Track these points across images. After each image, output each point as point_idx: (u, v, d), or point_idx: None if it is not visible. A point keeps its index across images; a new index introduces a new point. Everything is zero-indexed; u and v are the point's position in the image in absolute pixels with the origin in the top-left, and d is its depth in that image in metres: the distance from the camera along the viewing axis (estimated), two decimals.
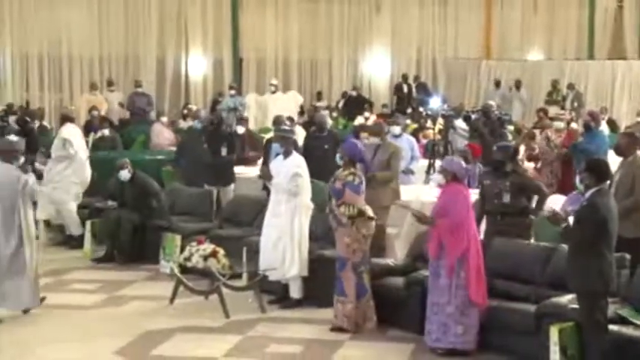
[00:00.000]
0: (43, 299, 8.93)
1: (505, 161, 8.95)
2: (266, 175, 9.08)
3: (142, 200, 11.16)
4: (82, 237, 11.71)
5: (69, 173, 11.84)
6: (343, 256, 8.30)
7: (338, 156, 8.56)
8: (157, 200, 11.28)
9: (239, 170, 12.85)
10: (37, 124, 17.46)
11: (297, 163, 8.96)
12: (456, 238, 7.50)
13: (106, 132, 15.20)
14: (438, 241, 7.62)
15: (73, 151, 11.80)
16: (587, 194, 6.70)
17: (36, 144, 13.42)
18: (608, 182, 6.96)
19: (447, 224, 7.53)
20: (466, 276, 7.50)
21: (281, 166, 8.98)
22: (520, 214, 8.81)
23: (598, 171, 6.73)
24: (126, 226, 11.05)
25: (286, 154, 9.03)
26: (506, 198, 8.84)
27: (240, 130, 14.28)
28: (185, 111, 19.02)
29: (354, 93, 22.86)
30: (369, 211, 8.32)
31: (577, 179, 6.99)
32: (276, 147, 9.62)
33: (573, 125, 14.73)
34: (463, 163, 7.91)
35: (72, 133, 12.00)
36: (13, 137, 8.92)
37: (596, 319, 6.61)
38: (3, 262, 8.49)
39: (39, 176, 11.31)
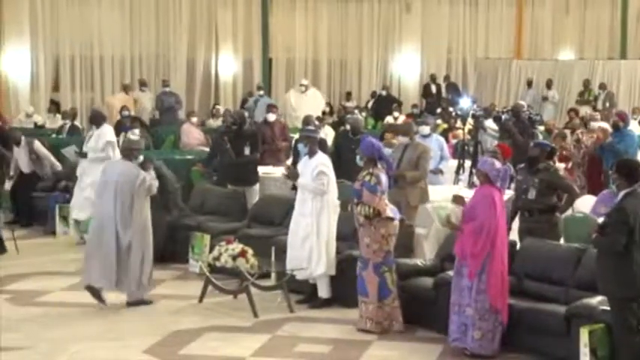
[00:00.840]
0: (148, 302, 9.11)
1: (539, 158, 8.95)
2: (293, 175, 9.08)
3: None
4: None
5: None
6: (364, 256, 8.30)
7: (358, 157, 8.55)
8: (172, 195, 11.32)
9: (267, 170, 12.86)
10: (68, 123, 17.69)
11: (322, 161, 8.97)
12: (479, 242, 7.45)
13: (137, 132, 15.28)
14: (462, 243, 7.60)
15: (114, 155, 11.92)
16: (619, 196, 6.65)
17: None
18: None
19: (470, 228, 7.50)
20: (487, 280, 7.45)
21: (306, 165, 8.99)
22: (546, 212, 8.78)
23: (628, 172, 6.67)
24: (156, 226, 11.05)
25: (311, 154, 9.04)
26: (532, 194, 8.85)
27: (271, 117, 14.20)
28: (214, 110, 19.14)
29: (383, 93, 22.82)
30: (389, 212, 8.29)
31: (611, 180, 6.94)
32: (302, 147, 9.60)
33: (602, 124, 14.59)
34: (497, 164, 7.83)
35: (112, 134, 12.14)
36: (133, 136, 9.30)
37: (627, 322, 6.55)
38: (122, 251, 8.91)
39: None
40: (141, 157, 9.16)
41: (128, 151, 9.17)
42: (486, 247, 7.44)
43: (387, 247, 8.29)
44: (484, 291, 7.46)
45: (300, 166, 9.18)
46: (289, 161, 13.11)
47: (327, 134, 14.29)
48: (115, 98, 20.09)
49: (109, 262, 8.92)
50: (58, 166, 13.77)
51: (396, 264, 8.57)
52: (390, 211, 8.33)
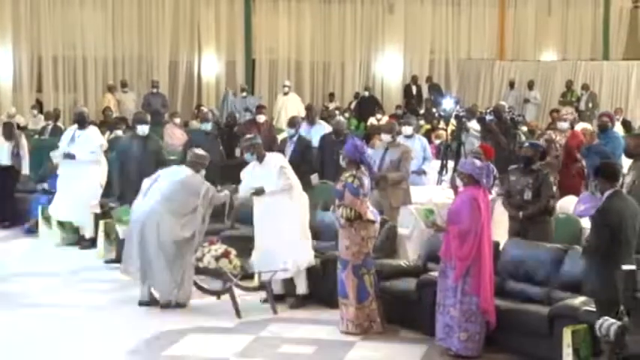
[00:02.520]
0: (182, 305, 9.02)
1: (533, 158, 9.00)
2: (259, 191, 9.00)
3: None
4: (94, 238, 11.77)
5: (98, 177, 11.92)
6: (344, 257, 8.32)
7: (341, 157, 8.59)
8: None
9: None
10: (50, 124, 17.64)
11: (276, 159, 9.11)
12: (465, 246, 7.47)
13: (119, 132, 15.23)
14: (447, 245, 7.62)
15: (102, 157, 11.90)
16: (603, 198, 6.70)
17: None
18: (620, 183, 6.95)
19: (456, 231, 7.52)
20: (476, 282, 7.47)
21: (264, 170, 8.97)
22: (541, 213, 8.83)
23: (607, 174, 6.75)
24: None
25: (261, 159, 9.06)
26: (528, 195, 8.89)
27: (261, 118, 14.19)
28: (197, 111, 19.12)
29: (366, 94, 22.86)
30: (370, 214, 8.30)
31: (591, 184, 7.00)
32: (249, 156, 9.52)
33: (584, 125, 14.62)
34: (478, 162, 7.86)
35: (101, 136, 12.11)
36: (201, 151, 9.32)
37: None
38: (153, 250, 8.87)
39: None
40: (203, 172, 9.14)
41: (196, 164, 9.11)
42: (473, 251, 7.46)
43: (366, 250, 8.29)
44: (469, 293, 7.48)
45: (249, 175, 9.14)
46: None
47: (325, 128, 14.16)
48: (105, 98, 20.22)
49: (136, 255, 8.94)
50: (26, 170, 13.54)
51: (378, 265, 8.60)
52: (371, 213, 8.34)
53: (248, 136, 9.48)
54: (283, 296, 9.17)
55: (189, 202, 8.89)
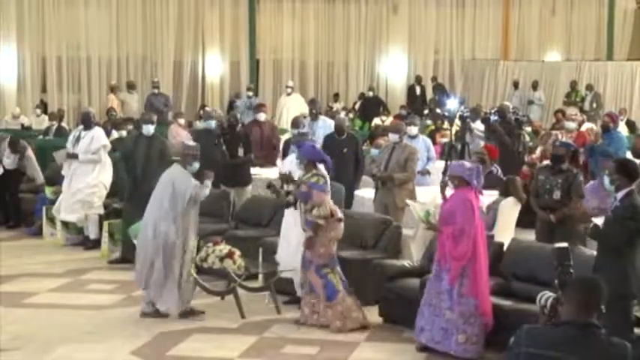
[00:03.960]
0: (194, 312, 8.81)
1: (563, 158, 8.98)
2: (287, 178, 8.97)
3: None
4: (98, 238, 11.79)
5: (103, 177, 11.94)
6: (307, 257, 8.34)
7: (297, 162, 8.60)
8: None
9: (255, 171, 12.86)
10: (55, 124, 17.69)
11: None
12: (460, 246, 7.46)
13: (124, 133, 15.25)
14: (442, 246, 7.60)
15: (106, 158, 11.91)
16: (619, 195, 6.70)
17: None
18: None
19: (450, 231, 7.50)
20: (473, 284, 7.46)
21: (297, 166, 8.98)
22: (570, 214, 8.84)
23: (628, 171, 6.74)
24: None
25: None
26: (557, 195, 8.87)
27: (262, 117, 14.19)
28: (201, 112, 19.12)
29: (370, 94, 22.87)
30: (339, 212, 8.36)
31: (605, 180, 6.97)
32: (294, 149, 9.59)
33: (589, 125, 14.62)
34: (467, 164, 7.86)
35: (105, 137, 12.13)
36: (189, 142, 9.06)
37: (624, 322, 6.56)
38: (151, 255, 8.62)
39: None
40: (196, 165, 8.77)
41: (184, 157, 8.78)
42: (467, 251, 7.44)
43: (331, 250, 8.35)
44: (467, 295, 7.46)
45: (288, 166, 9.16)
46: (278, 161, 13.13)
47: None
48: (109, 98, 20.26)
49: (140, 261, 8.76)
50: (41, 179, 13.56)
51: (382, 265, 8.61)
52: (339, 211, 8.41)
53: (303, 131, 9.43)
54: (297, 299, 9.14)
55: (177, 203, 8.57)
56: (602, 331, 3.89)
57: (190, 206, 8.63)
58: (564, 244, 5.79)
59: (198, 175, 8.77)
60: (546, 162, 9.79)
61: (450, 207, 7.65)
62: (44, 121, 19.12)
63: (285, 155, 12.46)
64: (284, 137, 14.55)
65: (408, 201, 8.88)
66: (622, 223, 6.55)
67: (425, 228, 8.26)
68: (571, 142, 10.13)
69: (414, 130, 11.99)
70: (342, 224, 8.42)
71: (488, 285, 7.60)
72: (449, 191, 7.81)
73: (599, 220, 6.86)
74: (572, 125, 13.03)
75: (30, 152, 13.51)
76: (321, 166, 8.46)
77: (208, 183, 8.81)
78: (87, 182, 11.86)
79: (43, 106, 20.58)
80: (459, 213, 7.49)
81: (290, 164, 9.28)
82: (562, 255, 5.71)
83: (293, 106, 20.06)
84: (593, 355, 3.82)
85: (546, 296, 5.66)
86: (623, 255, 6.51)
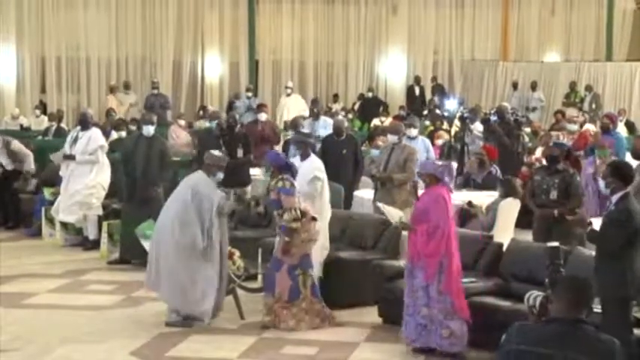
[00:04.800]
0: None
1: (558, 158, 9.02)
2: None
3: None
4: (97, 239, 11.80)
5: (101, 178, 11.94)
6: (279, 257, 8.37)
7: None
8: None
9: (255, 172, 12.85)
10: (54, 125, 17.70)
11: (316, 166, 8.99)
12: (432, 243, 7.45)
13: (123, 134, 15.26)
14: (414, 244, 7.59)
15: (103, 159, 11.92)
16: (615, 198, 6.71)
17: None
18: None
19: (424, 229, 7.49)
20: (448, 281, 7.45)
21: (299, 169, 9.00)
22: (570, 212, 8.87)
23: (622, 174, 6.75)
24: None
25: (304, 157, 9.06)
26: (554, 195, 8.90)
27: (263, 117, 14.18)
28: (201, 112, 19.13)
29: (370, 94, 22.87)
30: (311, 211, 8.41)
31: (601, 183, 7.00)
32: (294, 150, 9.62)
33: (589, 126, 14.64)
34: (438, 162, 7.87)
35: (102, 138, 12.14)
36: (217, 152, 8.93)
37: (623, 323, 6.57)
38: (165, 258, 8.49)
39: None
40: (220, 175, 8.69)
41: (209, 167, 8.63)
42: (441, 247, 7.43)
43: (304, 250, 8.39)
44: (444, 292, 7.46)
45: None
46: None
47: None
48: (109, 99, 20.30)
49: (152, 262, 8.62)
50: (31, 165, 13.55)
51: (381, 266, 8.63)
52: (312, 209, 8.46)
53: (303, 131, 9.48)
54: None
55: (190, 207, 8.43)
56: (591, 327, 3.93)
57: (216, 216, 8.48)
58: (555, 244, 5.86)
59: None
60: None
61: (423, 205, 7.64)
62: (43, 122, 19.13)
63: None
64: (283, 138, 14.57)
65: (380, 204, 8.87)
66: (617, 226, 6.55)
67: (400, 228, 8.27)
68: (564, 142, 10.18)
69: (413, 132, 12.01)
70: (316, 224, 8.42)
71: (460, 282, 7.59)
72: (421, 191, 7.85)
73: (596, 224, 6.87)
74: (573, 127, 13.05)
75: (15, 145, 13.45)
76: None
77: (232, 201, 8.77)
78: (85, 183, 11.86)
79: (43, 107, 20.60)
80: (433, 210, 7.49)
81: None
82: (553, 254, 5.78)
83: (293, 106, 20.10)
84: (582, 351, 3.86)
85: (534, 295, 5.74)
86: (621, 258, 6.51)
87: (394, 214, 8.09)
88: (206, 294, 8.48)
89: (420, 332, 7.58)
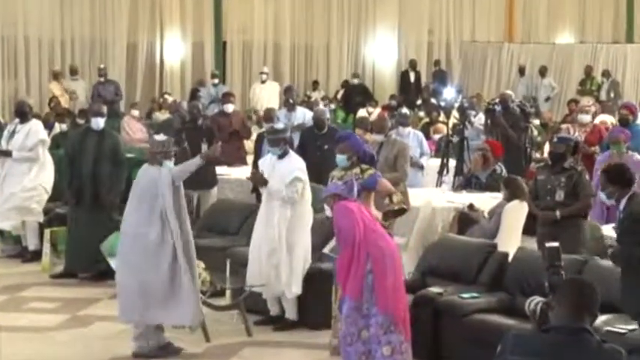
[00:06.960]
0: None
1: (565, 155, 9.06)
2: (259, 180, 9.01)
3: None
4: (38, 249, 11.75)
5: (42, 179, 11.86)
6: None
7: (275, 159, 8.76)
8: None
9: (222, 171, 12.85)
10: None
11: (298, 165, 8.94)
12: (345, 253, 7.47)
13: (65, 127, 15.19)
14: (341, 268, 7.58)
15: (44, 155, 11.85)
16: (622, 205, 6.78)
17: None
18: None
19: (342, 245, 7.54)
20: (381, 296, 7.42)
21: (276, 168, 8.97)
22: (574, 215, 8.91)
23: (621, 178, 6.83)
24: (91, 235, 10.96)
25: (282, 155, 9.03)
26: (560, 196, 8.95)
27: (229, 108, 14.19)
28: (161, 100, 19.09)
29: (355, 81, 22.91)
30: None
31: (602, 196, 7.07)
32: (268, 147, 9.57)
33: (603, 118, 14.68)
34: (339, 182, 7.95)
35: (44, 131, 12.09)
36: (158, 137, 8.76)
37: None
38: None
39: None
40: (168, 163, 8.49)
41: (154, 157, 8.50)
42: (353, 253, 7.41)
43: None
44: (375, 304, 7.46)
45: (264, 167, 9.15)
46: (250, 159, 13.14)
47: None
48: (53, 86, 20.21)
49: (126, 287, 8.49)
50: None
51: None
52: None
53: (278, 126, 9.42)
54: (280, 318, 9.16)
55: (148, 210, 8.31)
56: (595, 338, 3.98)
57: (174, 196, 8.37)
58: (555, 244, 5.93)
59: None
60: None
61: (335, 223, 7.65)
62: None
63: (258, 152, 12.44)
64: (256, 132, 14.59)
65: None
66: (627, 238, 6.65)
67: (393, 211, 8.35)
68: (570, 137, 10.21)
69: (405, 130, 12.08)
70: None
71: (400, 291, 7.60)
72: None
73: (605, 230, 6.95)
74: (586, 118, 13.10)
75: None
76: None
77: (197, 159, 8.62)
78: (23, 185, 11.78)
79: None
80: (340, 223, 7.52)
81: (266, 164, 9.19)
82: (553, 255, 5.83)
83: (268, 95, 20.10)
84: None
85: (535, 301, 5.81)
86: None
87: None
88: (188, 296, 8.34)
89: (368, 357, 7.58)
